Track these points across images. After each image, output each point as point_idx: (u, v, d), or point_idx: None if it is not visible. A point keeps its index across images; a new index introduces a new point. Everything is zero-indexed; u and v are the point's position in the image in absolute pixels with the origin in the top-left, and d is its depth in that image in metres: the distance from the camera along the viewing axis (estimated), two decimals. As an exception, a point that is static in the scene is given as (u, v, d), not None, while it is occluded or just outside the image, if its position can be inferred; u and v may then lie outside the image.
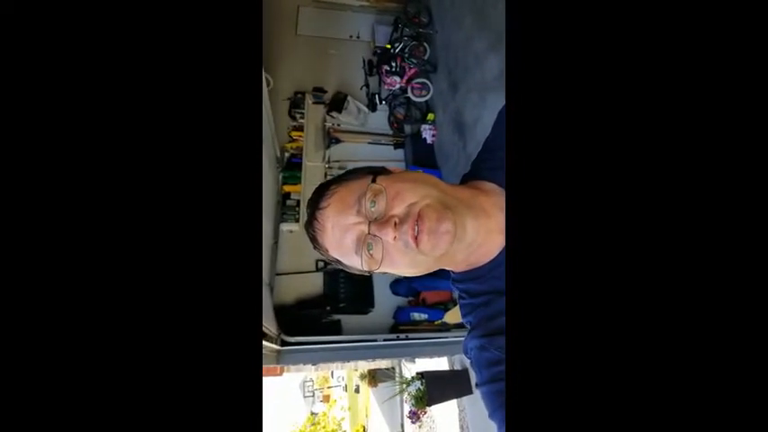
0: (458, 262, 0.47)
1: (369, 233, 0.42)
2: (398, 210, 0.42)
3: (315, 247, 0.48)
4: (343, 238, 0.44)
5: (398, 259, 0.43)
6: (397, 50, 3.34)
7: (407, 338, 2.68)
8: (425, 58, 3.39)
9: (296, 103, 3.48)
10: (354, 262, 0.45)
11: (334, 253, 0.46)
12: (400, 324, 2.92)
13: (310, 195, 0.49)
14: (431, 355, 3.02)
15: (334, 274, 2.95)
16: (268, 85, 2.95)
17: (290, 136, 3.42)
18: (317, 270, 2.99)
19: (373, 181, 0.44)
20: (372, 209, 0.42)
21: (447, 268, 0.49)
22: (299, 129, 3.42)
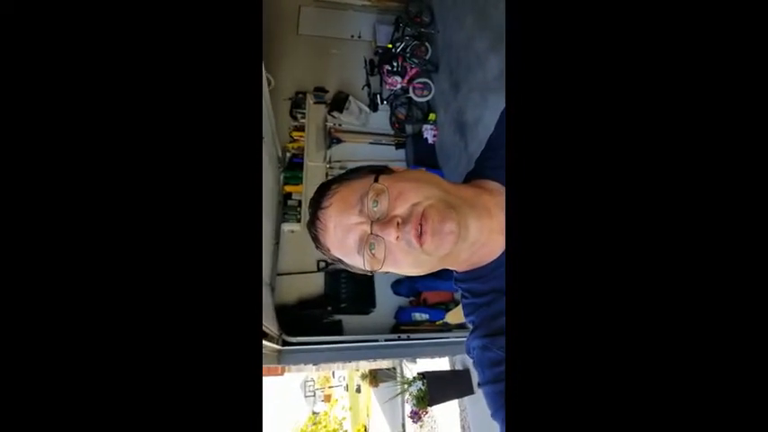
0: (461, 261, 0.47)
1: (371, 233, 0.42)
2: (401, 210, 0.42)
3: (317, 247, 0.48)
4: (345, 237, 0.44)
5: (401, 259, 0.43)
6: (398, 50, 3.34)
7: (409, 339, 2.68)
8: (427, 57, 3.39)
9: (297, 103, 3.49)
10: (357, 262, 0.45)
11: (337, 252, 0.46)
12: (401, 324, 2.92)
13: (312, 194, 0.48)
14: (432, 355, 3.02)
15: (336, 275, 2.95)
16: (269, 84, 2.96)
17: (292, 136, 3.43)
18: (319, 270, 2.99)
19: (376, 180, 0.44)
20: (375, 208, 0.42)
21: (450, 268, 0.49)
22: (301, 129, 3.42)
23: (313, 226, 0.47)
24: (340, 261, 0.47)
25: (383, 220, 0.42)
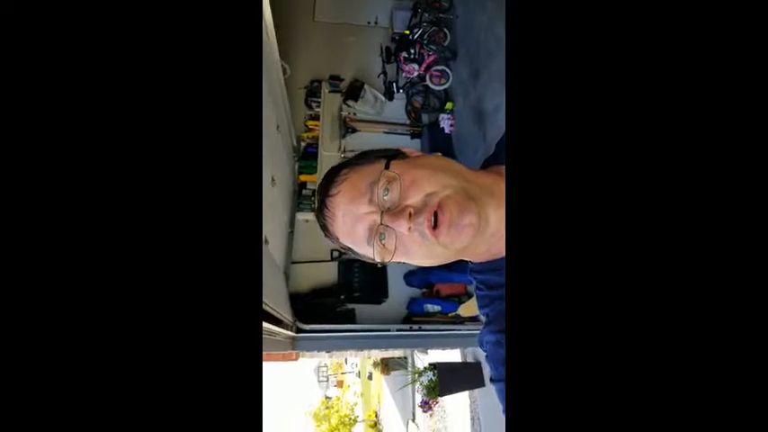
0: (479, 253, 0.45)
1: (381, 223, 0.40)
2: (414, 199, 0.40)
3: (326, 235, 0.47)
4: (354, 227, 0.42)
5: (414, 250, 0.41)
6: (415, 36, 3.25)
7: (420, 330, 2.68)
8: (445, 44, 3.30)
9: (312, 92, 3.47)
10: (366, 251, 0.43)
11: (346, 241, 0.44)
12: (413, 315, 2.92)
13: (320, 180, 0.47)
14: (443, 346, 3.02)
15: (349, 264, 2.97)
16: (285, 73, 2.94)
17: (307, 125, 3.43)
18: (332, 259, 3.02)
19: (387, 166, 0.42)
20: (385, 197, 0.40)
21: (466, 259, 0.47)
22: (316, 118, 3.42)
23: (321, 214, 0.45)
24: (350, 250, 0.45)
25: (394, 210, 0.40)
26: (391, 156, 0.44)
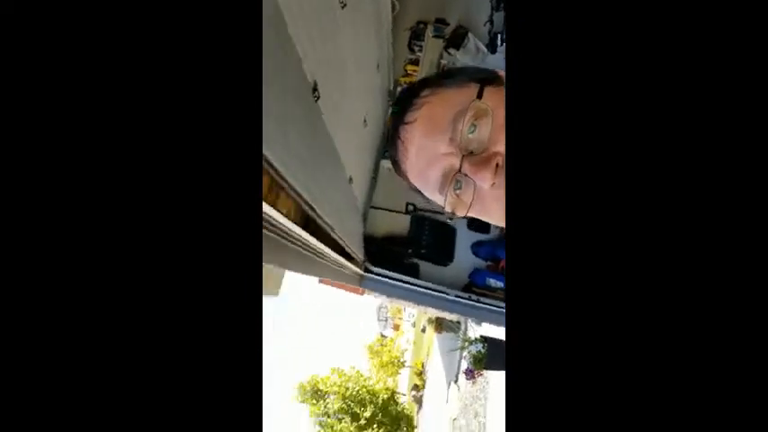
0: None
1: (460, 170, 0.32)
2: (504, 146, 0.31)
3: (396, 171, 0.40)
4: (427, 168, 0.35)
5: (494, 209, 0.33)
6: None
7: (478, 301, 2.62)
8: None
9: (416, 35, 3.27)
10: (437, 199, 0.36)
11: (416, 182, 0.38)
12: (474, 286, 2.85)
13: (397, 96, 0.39)
14: (498, 323, 2.92)
15: (421, 221, 2.97)
16: (393, 9, 2.79)
17: (406, 69, 3.29)
18: (407, 212, 3.04)
19: (479, 95, 0.33)
20: (471, 135, 0.32)
21: None
22: (415, 63, 3.25)
23: (393, 144, 0.39)
24: (419, 192, 0.39)
25: (479, 156, 0.32)
26: (486, 79, 0.34)
